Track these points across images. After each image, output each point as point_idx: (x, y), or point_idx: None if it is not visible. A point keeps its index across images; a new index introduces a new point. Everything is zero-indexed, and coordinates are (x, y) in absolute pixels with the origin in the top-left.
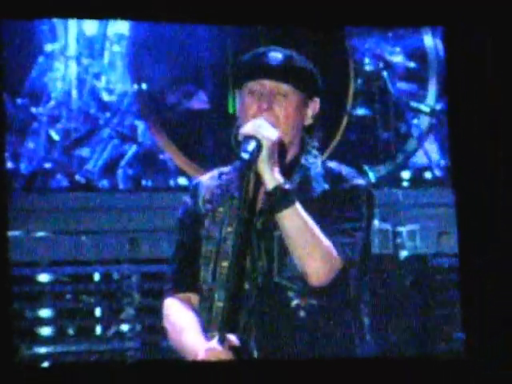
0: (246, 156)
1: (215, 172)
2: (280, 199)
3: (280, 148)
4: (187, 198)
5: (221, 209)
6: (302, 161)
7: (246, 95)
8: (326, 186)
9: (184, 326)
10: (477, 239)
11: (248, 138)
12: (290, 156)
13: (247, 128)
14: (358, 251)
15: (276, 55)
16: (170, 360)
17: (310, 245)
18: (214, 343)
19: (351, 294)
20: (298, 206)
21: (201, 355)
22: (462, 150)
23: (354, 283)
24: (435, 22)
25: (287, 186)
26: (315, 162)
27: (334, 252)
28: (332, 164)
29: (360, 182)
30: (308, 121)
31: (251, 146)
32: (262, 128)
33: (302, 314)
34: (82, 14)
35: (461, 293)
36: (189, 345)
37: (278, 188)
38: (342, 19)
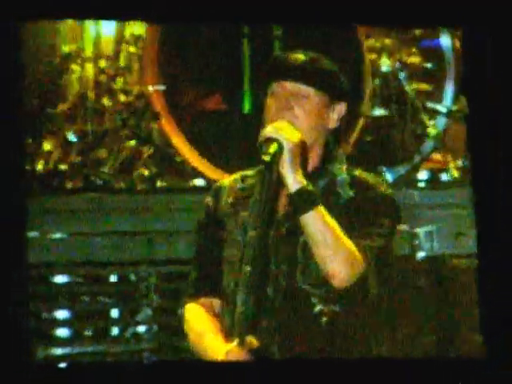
0: (266, 158)
1: (238, 175)
2: (303, 201)
3: (303, 151)
4: (209, 201)
5: (245, 213)
6: (327, 166)
7: (268, 97)
8: (352, 193)
9: (204, 330)
10: (495, 239)
11: (269, 140)
12: (313, 160)
13: (268, 130)
14: (381, 256)
15: (297, 57)
16: (187, 361)
17: (332, 246)
18: (234, 345)
19: (371, 301)
20: (321, 208)
21: (221, 357)
22: (480, 149)
23: (373, 289)
24: (454, 22)
25: (310, 188)
26: (341, 168)
27: (358, 254)
28: (357, 172)
29: (389, 191)
30: (332, 124)
31: (272, 148)
32: (283, 130)
33: (324, 319)
34: (97, 15)
35: (479, 294)
36: (209, 348)
37: (300, 190)
38: (358, 19)
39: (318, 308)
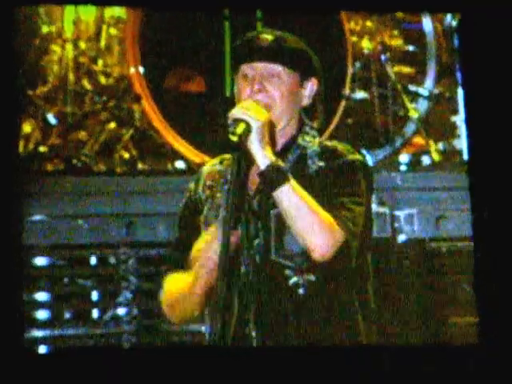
0: (234, 139)
1: (218, 158)
2: (274, 178)
3: (271, 129)
4: (191, 186)
5: (219, 194)
6: (299, 141)
7: (240, 79)
8: (322, 163)
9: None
10: (492, 223)
11: (237, 120)
12: (286, 136)
13: (235, 111)
14: (359, 224)
15: (266, 37)
16: (168, 344)
17: (309, 220)
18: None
19: (353, 270)
20: (293, 182)
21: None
22: (477, 134)
23: (355, 259)
24: (451, 9)
25: (280, 164)
26: (312, 142)
27: (335, 225)
28: (328, 142)
29: (356, 157)
30: (305, 101)
31: (239, 128)
32: (250, 110)
33: (301, 291)
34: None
35: (475, 277)
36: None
37: (270, 167)
38: (359, 5)
39: (293, 280)
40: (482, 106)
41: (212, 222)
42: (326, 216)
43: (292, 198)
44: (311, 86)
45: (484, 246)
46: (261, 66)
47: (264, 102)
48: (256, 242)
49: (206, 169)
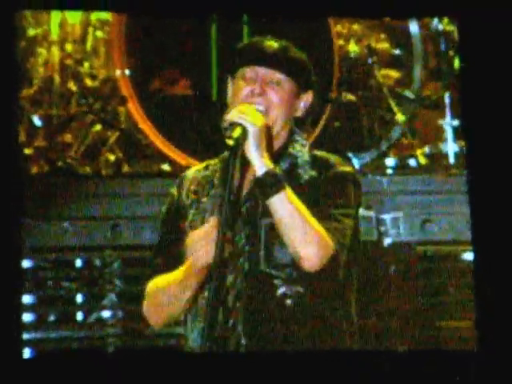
0: (231, 142)
1: (203, 164)
2: (270, 184)
3: (268, 135)
4: (173, 191)
5: (205, 199)
6: (290, 149)
7: (238, 81)
8: (313, 173)
9: (166, 278)
10: (491, 228)
11: (233, 124)
12: (277, 145)
13: (232, 114)
14: (348, 236)
15: (271, 44)
16: (155, 348)
17: (302, 229)
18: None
19: (340, 282)
20: (288, 190)
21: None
22: (476, 136)
23: (342, 271)
24: (449, 12)
25: (277, 171)
26: (302, 151)
27: (326, 236)
28: (319, 152)
29: (347, 169)
30: (299, 112)
31: (236, 132)
32: (247, 114)
33: (288, 302)
34: (65, 6)
35: (474, 282)
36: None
37: (267, 174)
38: (355, 11)
39: (281, 290)
40: (480, 109)
41: (198, 226)
42: (318, 226)
43: (286, 206)
44: (307, 99)
45: (482, 250)
46: (263, 71)
47: (261, 106)
48: (245, 249)
49: (189, 174)
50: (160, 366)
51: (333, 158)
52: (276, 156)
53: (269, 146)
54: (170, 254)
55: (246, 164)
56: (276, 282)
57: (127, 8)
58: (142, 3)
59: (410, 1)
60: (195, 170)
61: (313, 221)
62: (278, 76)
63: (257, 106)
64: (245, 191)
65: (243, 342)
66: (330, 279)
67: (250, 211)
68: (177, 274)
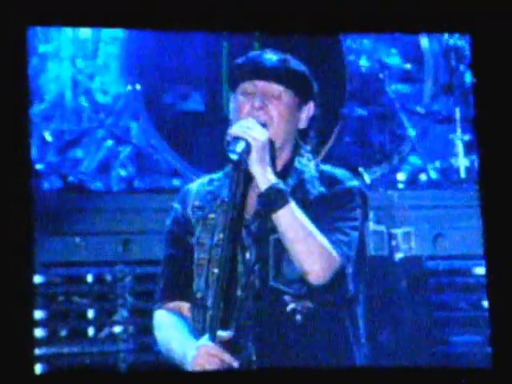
0: (234, 157)
1: (206, 178)
2: (274, 199)
3: (271, 149)
4: (176, 206)
5: (212, 215)
6: (296, 164)
7: (239, 96)
8: (322, 189)
9: (172, 333)
10: (503, 242)
11: (236, 138)
12: (283, 159)
13: (235, 129)
14: (354, 249)
15: (270, 57)
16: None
17: (308, 243)
18: (205, 340)
19: (348, 296)
20: (293, 204)
21: (191, 354)
22: (487, 150)
23: (350, 284)
24: (462, 29)
25: (281, 186)
26: (308, 165)
27: (333, 250)
28: (325, 167)
29: (354, 183)
30: (302, 124)
31: (239, 147)
32: (250, 129)
33: (298, 317)
34: (77, 22)
35: (487, 296)
36: (179, 350)
37: (271, 188)
38: (367, 26)
39: (291, 306)
40: (491, 123)
41: (206, 243)
42: (324, 240)
43: (292, 221)
44: (309, 110)
45: (495, 264)
46: (262, 85)
47: (262, 120)
48: (256, 267)
49: (192, 188)
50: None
51: (340, 174)
52: (283, 171)
53: (272, 161)
54: (178, 270)
55: (250, 179)
56: (286, 297)
57: (138, 25)
58: (153, 20)
59: (421, 17)
60: (198, 183)
61: (318, 234)
62: (278, 88)
63: (258, 120)
64: (251, 207)
65: (254, 358)
66: (338, 295)
67: (258, 227)
68: (179, 339)
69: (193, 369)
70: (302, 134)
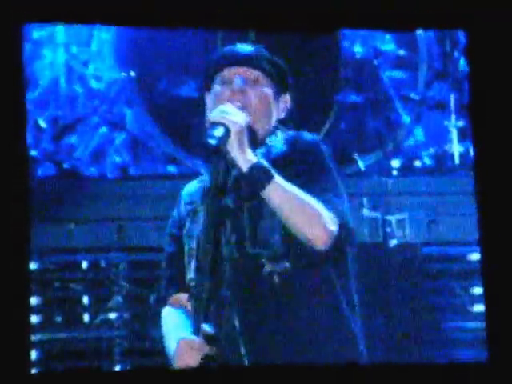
0: (212, 142)
1: (197, 179)
2: (259, 177)
3: (250, 132)
4: (174, 213)
5: (200, 207)
6: (267, 141)
7: (218, 84)
8: (285, 148)
9: (166, 329)
10: (498, 229)
11: (215, 124)
12: (258, 143)
13: (214, 114)
14: (346, 202)
15: (245, 47)
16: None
17: (304, 212)
18: (187, 334)
19: (328, 260)
20: (278, 178)
21: (173, 348)
22: (482, 136)
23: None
24: (457, 25)
25: (262, 163)
26: (277, 137)
27: (328, 212)
28: (290, 132)
29: (309, 137)
30: (279, 114)
31: (218, 131)
32: (229, 113)
33: (276, 278)
34: (70, 19)
35: (482, 282)
36: (168, 345)
37: (253, 167)
38: (363, 22)
39: (268, 268)
40: (486, 110)
41: (194, 234)
42: (318, 205)
43: (282, 194)
44: (285, 102)
45: (490, 250)
46: (241, 70)
47: (241, 104)
48: (233, 238)
49: (184, 190)
50: (167, 369)
51: (299, 133)
52: (253, 149)
53: (251, 144)
54: (176, 265)
55: (231, 163)
56: (262, 260)
57: (132, 22)
58: (146, 18)
59: (418, 13)
60: (190, 184)
61: (311, 200)
62: (256, 73)
63: (236, 105)
64: (230, 189)
65: (236, 323)
66: (322, 254)
67: (235, 201)
68: (170, 333)
69: (175, 363)
70: (284, 123)
